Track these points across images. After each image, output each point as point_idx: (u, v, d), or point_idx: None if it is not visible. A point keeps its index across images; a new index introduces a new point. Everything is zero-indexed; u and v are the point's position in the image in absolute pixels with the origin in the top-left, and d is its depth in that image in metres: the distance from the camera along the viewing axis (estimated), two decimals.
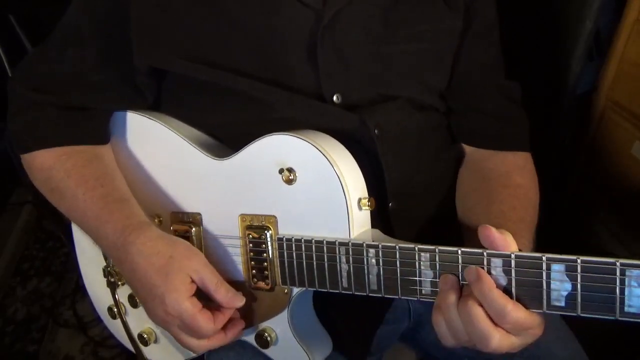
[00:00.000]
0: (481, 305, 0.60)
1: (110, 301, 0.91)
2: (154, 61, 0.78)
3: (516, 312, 0.59)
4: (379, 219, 0.74)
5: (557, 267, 0.57)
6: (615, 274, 0.55)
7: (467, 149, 0.91)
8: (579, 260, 0.56)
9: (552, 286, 0.58)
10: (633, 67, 1.08)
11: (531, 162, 0.88)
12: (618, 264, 0.54)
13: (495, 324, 0.60)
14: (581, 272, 0.56)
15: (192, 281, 0.72)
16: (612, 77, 1.13)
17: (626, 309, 0.55)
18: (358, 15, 0.77)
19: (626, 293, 0.55)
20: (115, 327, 0.94)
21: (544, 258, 0.58)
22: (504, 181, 0.84)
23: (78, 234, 0.93)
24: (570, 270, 0.57)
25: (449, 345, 0.64)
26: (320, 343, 0.80)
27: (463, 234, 0.82)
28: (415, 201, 0.81)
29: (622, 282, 0.55)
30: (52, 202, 0.83)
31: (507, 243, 0.60)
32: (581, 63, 1.07)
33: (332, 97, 0.77)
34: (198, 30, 0.76)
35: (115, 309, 0.90)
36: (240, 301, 0.74)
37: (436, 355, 0.95)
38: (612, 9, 1.15)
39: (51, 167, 0.80)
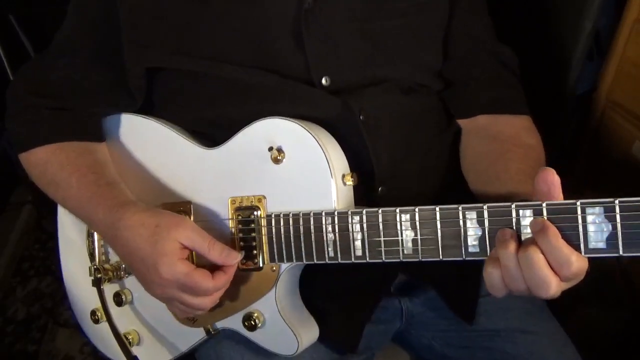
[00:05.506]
0: (542, 253, 0.60)
1: (92, 305, 0.91)
2: (147, 61, 0.80)
3: (579, 261, 0.59)
4: (369, 204, 0.75)
5: (526, 213, 0.62)
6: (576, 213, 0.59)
7: (468, 120, 0.90)
8: (578, 203, 0.60)
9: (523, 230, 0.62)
10: (633, 67, 1.08)
11: (533, 124, 0.87)
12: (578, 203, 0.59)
13: (554, 272, 0.60)
14: (580, 213, 0.60)
15: (184, 247, 0.73)
16: (612, 77, 1.13)
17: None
18: None
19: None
20: (96, 333, 0.94)
21: (514, 206, 0.62)
22: (516, 141, 0.83)
23: (63, 239, 0.95)
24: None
25: (498, 296, 0.64)
26: (307, 328, 0.81)
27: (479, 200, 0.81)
28: (406, 186, 0.81)
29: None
30: (50, 195, 0.86)
31: (559, 193, 0.61)
32: (581, 63, 1.07)
33: (321, 80, 0.78)
34: (186, 25, 0.78)
35: (100, 312, 0.90)
36: (236, 257, 0.75)
37: (429, 358, 0.94)
38: (612, 8, 1.15)
39: (46, 161, 0.84)
